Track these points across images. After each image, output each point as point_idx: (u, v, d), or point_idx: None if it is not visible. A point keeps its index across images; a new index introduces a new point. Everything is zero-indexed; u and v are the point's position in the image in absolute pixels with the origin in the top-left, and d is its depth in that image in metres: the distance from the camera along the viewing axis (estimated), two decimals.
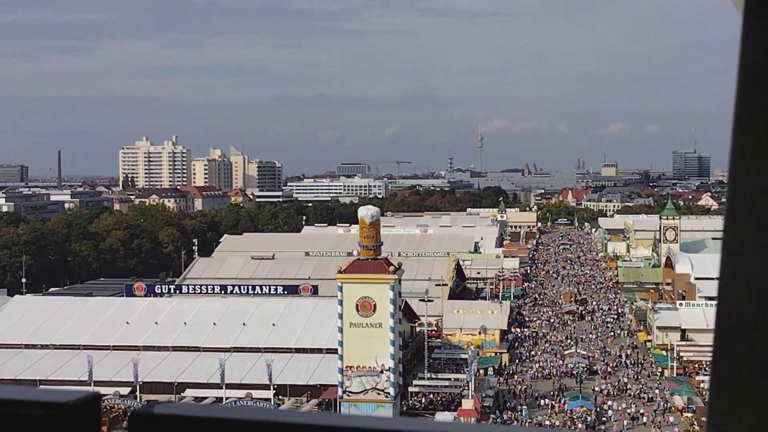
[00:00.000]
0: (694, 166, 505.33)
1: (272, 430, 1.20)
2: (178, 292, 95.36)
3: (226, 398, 72.91)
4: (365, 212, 71.39)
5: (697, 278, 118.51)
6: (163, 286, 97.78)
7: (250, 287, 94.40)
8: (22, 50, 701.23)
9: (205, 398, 75.52)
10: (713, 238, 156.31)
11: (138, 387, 75.49)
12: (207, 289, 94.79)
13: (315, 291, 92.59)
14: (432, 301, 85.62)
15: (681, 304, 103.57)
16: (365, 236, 71.68)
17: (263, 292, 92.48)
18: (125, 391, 76.13)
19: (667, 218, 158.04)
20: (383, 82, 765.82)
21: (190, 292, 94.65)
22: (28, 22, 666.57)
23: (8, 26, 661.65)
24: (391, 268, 71.59)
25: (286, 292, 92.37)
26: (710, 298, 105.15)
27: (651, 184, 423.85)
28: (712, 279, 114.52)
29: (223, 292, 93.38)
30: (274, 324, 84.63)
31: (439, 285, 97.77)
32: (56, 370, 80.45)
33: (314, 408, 73.16)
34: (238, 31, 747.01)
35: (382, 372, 71.11)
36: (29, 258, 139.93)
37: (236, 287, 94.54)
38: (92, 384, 74.23)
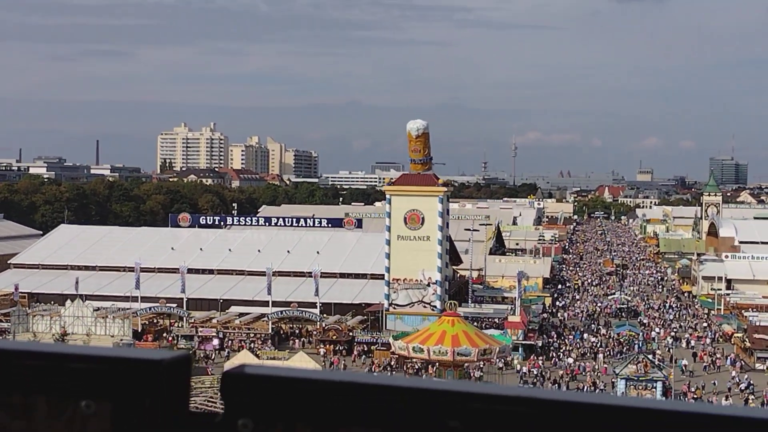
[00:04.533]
0: (731, 173, 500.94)
1: (362, 391, 1.22)
2: (222, 223, 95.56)
3: (272, 313, 72.81)
4: (412, 125, 70.85)
5: (741, 242, 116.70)
6: (208, 218, 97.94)
7: (294, 219, 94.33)
8: (64, 55, 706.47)
9: (249, 313, 75.58)
10: (755, 218, 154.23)
11: (185, 302, 75.53)
12: (251, 221, 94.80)
13: (359, 224, 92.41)
14: (478, 230, 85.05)
15: (727, 257, 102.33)
16: (413, 150, 71.35)
17: (307, 225, 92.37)
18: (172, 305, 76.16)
19: (709, 194, 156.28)
20: (417, 92, 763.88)
21: (235, 223, 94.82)
22: (70, 27, 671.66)
23: (50, 30, 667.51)
24: (441, 181, 71.32)
25: (330, 225, 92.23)
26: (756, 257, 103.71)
27: (688, 187, 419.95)
28: (758, 243, 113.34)
29: (267, 224, 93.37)
30: (318, 252, 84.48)
31: (484, 224, 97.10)
32: (102, 288, 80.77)
33: (358, 324, 72.92)
34: (275, 40, 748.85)
35: (428, 285, 70.81)
36: (71, 214, 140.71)
37: (280, 219, 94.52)
38: (139, 299, 74.56)
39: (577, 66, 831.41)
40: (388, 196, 71.70)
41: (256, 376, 1.29)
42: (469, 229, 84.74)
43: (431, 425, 1.20)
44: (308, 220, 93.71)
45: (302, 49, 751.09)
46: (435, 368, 52.33)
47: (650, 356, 60.30)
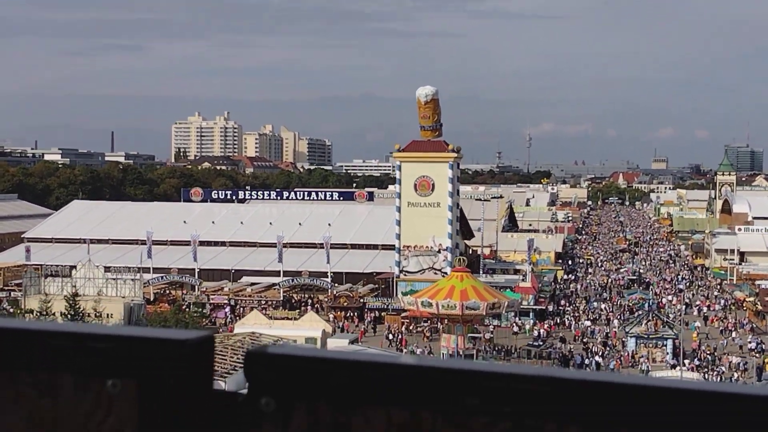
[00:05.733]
0: (746, 160, 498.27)
1: (382, 371, 1.25)
2: (234, 198, 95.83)
3: (283, 281, 73.07)
4: (421, 91, 70.98)
5: (755, 217, 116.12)
6: (220, 192, 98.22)
7: (305, 194, 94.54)
8: (78, 49, 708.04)
9: (260, 283, 75.83)
10: None
11: (196, 272, 75.80)
12: (263, 195, 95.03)
13: (371, 197, 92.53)
14: (489, 201, 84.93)
15: (740, 229, 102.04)
16: (422, 116, 71.41)
17: (319, 198, 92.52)
18: None
19: (723, 174, 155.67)
20: (431, 83, 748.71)
21: (246, 198, 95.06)
22: (84, 21, 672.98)
23: (64, 25, 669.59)
24: (451, 147, 71.33)
25: (341, 199, 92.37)
26: None
27: (703, 174, 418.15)
28: None
29: (278, 198, 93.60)
30: (329, 224, 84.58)
31: (495, 197, 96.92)
32: (114, 260, 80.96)
33: (369, 292, 73.02)
34: (288, 32, 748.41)
35: (439, 251, 70.86)
36: (85, 197, 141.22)
37: (292, 192, 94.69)
38: (151, 270, 74.89)
39: (591, 56, 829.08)
40: (398, 163, 71.79)
41: (279, 356, 1.30)
42: (480, 199, 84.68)
43: (450, 403, 1.21)
44: (320, 194, 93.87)
45: (315, 41, 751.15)
46: (445, 324, 52.27)
47: (661, 317, 60.24)
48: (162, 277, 73.28)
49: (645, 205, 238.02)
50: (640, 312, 63.30)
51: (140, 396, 1.32)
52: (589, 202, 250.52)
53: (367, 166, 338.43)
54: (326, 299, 70.63)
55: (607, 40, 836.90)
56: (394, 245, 73.34)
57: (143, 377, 1.31)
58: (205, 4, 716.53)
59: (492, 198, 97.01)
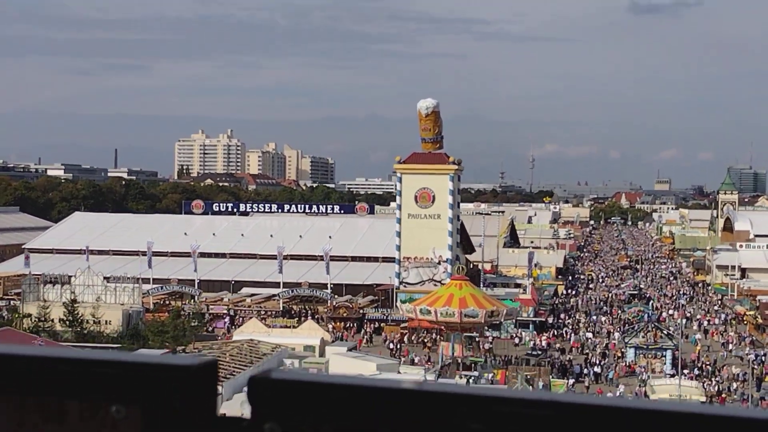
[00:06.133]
0: (749, 182, 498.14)
1: (387, 396, 1.24)
2: (236, 210, 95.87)
3: (283, 291, 72.99)
4: (422, 104, 71.26)
5: (757, 235, 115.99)
6: (221, 205, 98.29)
7: (306, 206, 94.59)
8: (84, 69, 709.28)
9: (260, 294, 75.77)
10: None
11: (197, 283, 75.76)
12: (264, 207, 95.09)
13: (371, 210, 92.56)
14: (490, 214, 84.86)
15: (741, 246, 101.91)
16: (423, 129, 71.59)
17: (320, 211, 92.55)
18: None
19: (725, 193, 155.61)
20: None
21: (248, 210, 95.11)
22: (90, 41, 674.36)
23: (71, 45, 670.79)
24: (451, 159, 71.40)
25: (342, 212, 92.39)
26: None
27: (706, 195, 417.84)
28: None
29: (279, 210, 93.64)
30: (330, 236, 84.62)
31: (497, 212, 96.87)
32: (115, 270, 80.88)
33: (369, 303, 72.94)
34: (293, 53, 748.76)
35: (439, 263, 70.83)
36: (87, 210, 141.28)
37: (293, 205, 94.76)
38: (151, 281, 74.85)
39: (594, 78, 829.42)
40: (399, 175, 71.84)
41: (283, 381, 1.29)
42: (481, 213, 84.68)
43: (455, 428, 1.20)
44: (321, 207, 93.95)
45: (320, 62, 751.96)
46: (444, 333, 52.15)
47: (661, 328, 60.10)
48: (162, 287, 73.24)
49: (647, 224, 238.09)
50: (640, 324, 63.15)
51: (144, 421, 1.31)
52: (592, 222, 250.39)
53: (369, 185, 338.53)
54: (326, 310, 70.52)
55: (611, 63, 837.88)
56: (394, 257, 73.36)
57: (147, 403, 1.31)
58: (209, 24, 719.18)
59: (493, 212, 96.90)
